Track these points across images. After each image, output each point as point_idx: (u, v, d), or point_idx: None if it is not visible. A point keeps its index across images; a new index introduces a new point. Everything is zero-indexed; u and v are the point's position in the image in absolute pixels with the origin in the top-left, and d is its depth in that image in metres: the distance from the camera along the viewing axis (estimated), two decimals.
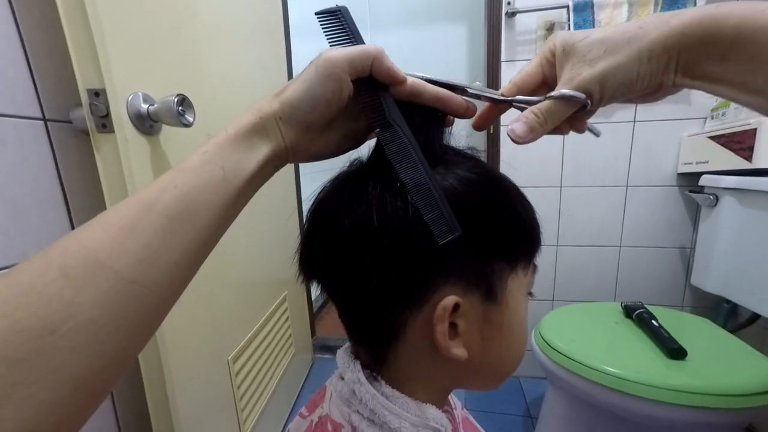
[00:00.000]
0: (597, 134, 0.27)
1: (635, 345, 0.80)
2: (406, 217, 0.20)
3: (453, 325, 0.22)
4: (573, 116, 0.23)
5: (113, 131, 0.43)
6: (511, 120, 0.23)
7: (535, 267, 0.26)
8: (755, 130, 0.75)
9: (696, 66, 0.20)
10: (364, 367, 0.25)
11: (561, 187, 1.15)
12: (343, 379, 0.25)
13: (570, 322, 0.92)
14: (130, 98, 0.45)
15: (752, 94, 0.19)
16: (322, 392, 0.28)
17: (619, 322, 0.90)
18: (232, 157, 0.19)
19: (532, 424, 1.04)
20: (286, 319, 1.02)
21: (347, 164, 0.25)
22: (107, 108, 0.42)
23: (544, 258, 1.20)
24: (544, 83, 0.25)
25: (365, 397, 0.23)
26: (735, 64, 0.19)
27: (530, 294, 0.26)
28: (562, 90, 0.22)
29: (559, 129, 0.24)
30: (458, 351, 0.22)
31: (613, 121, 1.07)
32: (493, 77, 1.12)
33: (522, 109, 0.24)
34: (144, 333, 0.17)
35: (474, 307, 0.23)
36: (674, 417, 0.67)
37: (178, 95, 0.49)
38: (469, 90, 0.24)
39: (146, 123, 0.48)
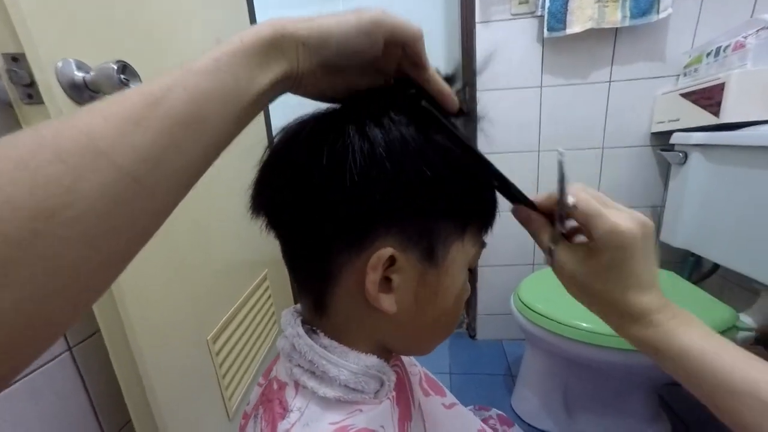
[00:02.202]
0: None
1: None
2: (357, 161, 0.20)
3: (388, 280, 0.22)
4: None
5: (42, 102, 0.39)
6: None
7: (483, 243, 0.26)
8: (723, 84, 0.75)
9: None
10: (306, 323, 0.25)
11: (539, 151, 1.14)
12: (285, 337, 0.25)
13: (547, 284, 0.95)
14: (59, 65, 0.41)
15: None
16: (276, 358, 0.28)
17: None
18: (246, 69, 0.18)
19: (513, 382, 1.09)
20: (269, 297, 1.02)
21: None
22: (31, 76, 0.38)
23: None
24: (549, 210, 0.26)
25: (303, 349, 0.23)
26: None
27: (470, 270, 0.26)
28: (546, 240, 0.26)
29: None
30: (387, 304, 0.22)
31: (590, 82, 1.06)
32: (467, 39, 1.08)
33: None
34: (141, 236, 0.16)
35: (412, 266, 0.22)
36: (640, 362, 0.71)
37: (118, 62, 0.44)
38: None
39: (84, 93, 0.44)
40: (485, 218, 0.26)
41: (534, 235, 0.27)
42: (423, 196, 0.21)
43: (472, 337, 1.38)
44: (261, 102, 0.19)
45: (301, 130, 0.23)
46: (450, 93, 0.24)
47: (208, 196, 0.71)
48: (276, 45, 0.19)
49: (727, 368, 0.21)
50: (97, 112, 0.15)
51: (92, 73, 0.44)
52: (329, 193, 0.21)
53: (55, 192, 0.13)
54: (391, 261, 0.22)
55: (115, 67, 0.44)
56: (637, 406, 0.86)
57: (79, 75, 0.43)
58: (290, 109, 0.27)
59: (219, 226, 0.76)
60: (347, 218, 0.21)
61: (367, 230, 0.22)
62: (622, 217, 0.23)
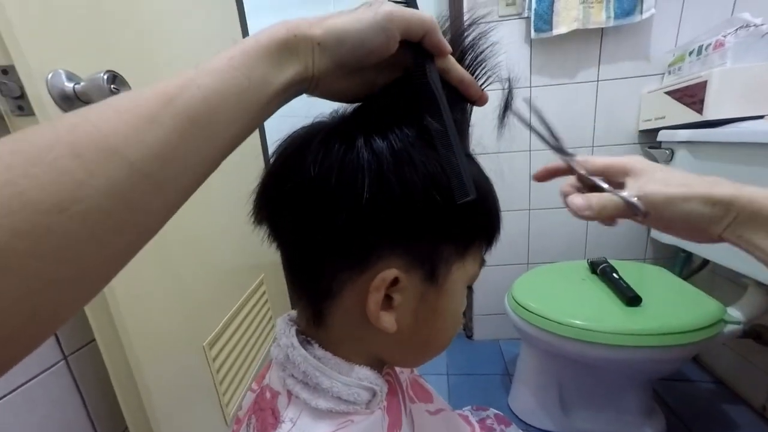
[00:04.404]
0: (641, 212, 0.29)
1: (599, 297, 0.84)
2: (366, 181, 0.20)
3: (389, 298, 0.22)
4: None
5: (33, 114, 0.40)
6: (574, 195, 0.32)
7: (483, 261, 0.26)
8: (705, 82, 0.77)
9: (745, 233, 0.25)
10: (301, 333, 0.25)
11: (530, 151, 1.16)
12: (279, 346, 0.25)
13: (540, 283, 0.95)
14: (49, 76, 0.41)
15: None
16: (269, 364, 0.29)
17: (585, 278, 0.95)
18: (259, 69, 0.18)
19: (510, 381, 1.10)
20: (265, 302, 1.02)
21: (327, 115, 0.25)
22: (21, 88, 0.38)
23: (517, 223, 1.24)
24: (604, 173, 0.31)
25: (297, 360, 0.23)
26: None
27: (469, 288, 0.27)
28: (625, 194, 0.28)
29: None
30: (387, 323, 0.22)
31: (577, 82, 1.08)
32: None
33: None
34: (147, 232, 0.16)
35: (413, 285, 0.23)
36: (633, 358, 0.72)
37: (107, 72, 0.45)
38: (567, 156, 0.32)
39: (75, 104, 0.44)
40: (489, 239, 0.25)
41: (602, 187, 0.30)
42: (432, 220, 0.21)
43: (469, 337, 1.38)
44: (275, 103, 0.19)
45: (310, 141, 0.22)
46: (473, 81, 0.23)
47: (202, 201, 0.72)
48: (290, 46, 0.19)
49: None
50: (111, 107, 0.15)
51: (82, 84, 0.44)
52: (336, 212, 0.20)
53: (68, 187, 0.13)
54: (394, 281, 0.22)
55: (105, 77, 0.44)
56: (632, 401, 0.87)
57: (69, 86, 0.43)
58: (284, 119, 0.27)
59: (213, 231, 0.77)
60: (352, 241, 0.21)
61: (371, 250, 0.21)
62: (632, 187, 0.28)
